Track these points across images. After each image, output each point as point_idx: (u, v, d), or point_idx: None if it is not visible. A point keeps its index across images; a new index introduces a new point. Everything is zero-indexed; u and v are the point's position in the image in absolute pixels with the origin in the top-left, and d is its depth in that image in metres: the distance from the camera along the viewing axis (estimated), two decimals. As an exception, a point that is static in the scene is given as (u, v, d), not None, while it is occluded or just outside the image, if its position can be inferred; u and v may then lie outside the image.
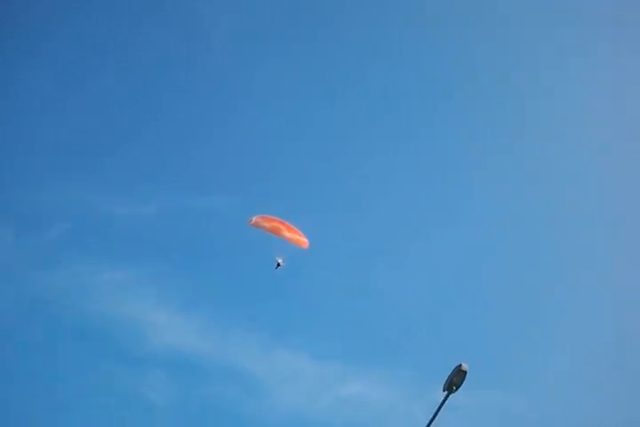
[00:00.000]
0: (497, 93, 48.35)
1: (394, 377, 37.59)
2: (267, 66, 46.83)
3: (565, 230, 44.78)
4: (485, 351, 37.39)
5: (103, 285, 40.50)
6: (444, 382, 9.80)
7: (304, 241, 23.63)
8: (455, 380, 9.63)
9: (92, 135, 46.27)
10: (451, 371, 9.73)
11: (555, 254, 43.92)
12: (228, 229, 44.23)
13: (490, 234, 46.13)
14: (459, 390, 9.70)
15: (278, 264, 24.44)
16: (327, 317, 43.82)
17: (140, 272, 41.47)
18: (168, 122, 48.32)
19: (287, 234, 23.74)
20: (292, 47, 48.53)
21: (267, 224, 24.05)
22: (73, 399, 36.50)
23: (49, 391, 36.37)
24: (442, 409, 9.85)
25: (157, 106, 47.84)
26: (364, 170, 48.73)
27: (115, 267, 41.60)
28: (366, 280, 45.27)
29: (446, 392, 9.75)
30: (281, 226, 23.96)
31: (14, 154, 44.86)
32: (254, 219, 23.96)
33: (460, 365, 9.56)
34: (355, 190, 47.67)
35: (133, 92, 47.08)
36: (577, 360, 37.38)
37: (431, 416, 9.95)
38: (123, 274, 41.04)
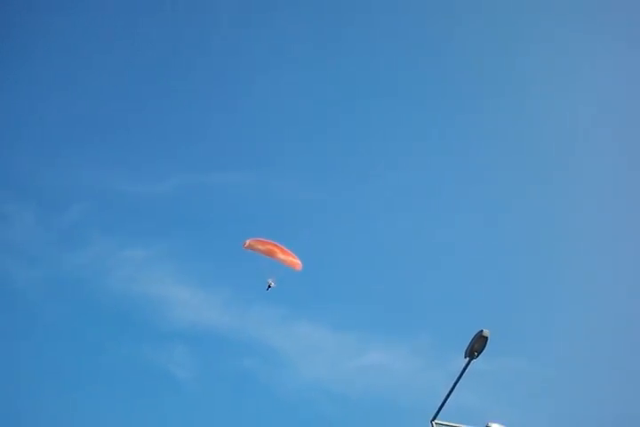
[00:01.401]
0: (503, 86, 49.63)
1: (414, 346, 38.49)
2: (279, 50, 48.18)
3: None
4: (504, 318, 37.80)
5: (125, 263, 41.26)
6: (464, 349, 10.49)
7: (297, 263, 24.24)
8: (476, 346, 10.31)
9: (107, 116, 46.88)
10: (471, 338, 10.42)
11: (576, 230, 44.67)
12: (244, 204, 46.03)
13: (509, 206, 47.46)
14: (480, 356, 10.39)
15: (269, 286, 24.91)
16: (345, 288, 44.97)
17: (160, 249, 42.15)
18: (181, 101, 48.88)
19: (281, 256, 24.31)
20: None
21: (261, 247, 24.62)
22: (98, 376, 37.43)
23: (74, 369, 37.23)
24: (464, 376, 10.53)
25: (171, 86, 48.42)
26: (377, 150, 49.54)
27: (135, 245, 42.45)
28: (382, 251, 46.25)
29: (467, 359, 10.42)
30: (275, 248, 24.55)
31: (30, 135, 45.29)
32: (248, 242, 24.49)
33: (482, 331, 10.24)
34: (362, 165, 48.51)
35: (148, 74, 47.43)
36: (595, 325, 37.93)
37: (453, 383, 10.61)
38: (143, 252, 41.82)
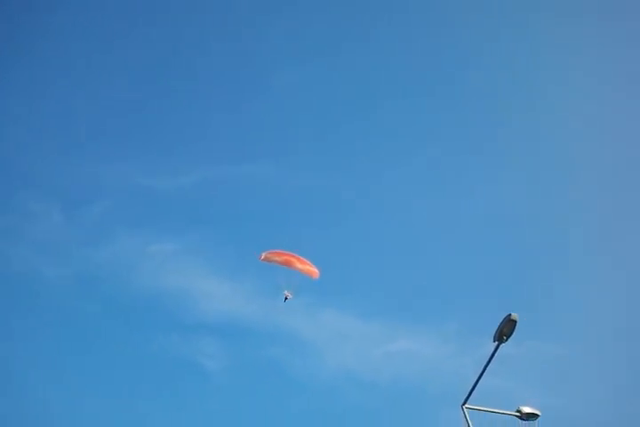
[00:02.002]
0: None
1: (441, 332, 38.42)
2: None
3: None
4: (531, 302, 36.98)
5: (151, 257, 41.67)
6: (493, 334, 10.59)
7: (315, 271, 24.44)
8: (505, 330, 10.41)
9: (125, 113, 47.57)
10: (499, 322, 10.52)
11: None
12: (269, 195, 45.65)
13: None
14: (509, 340, 10.49)
15: (286, 298, 25.07)
16: (370, 276, 45.16)
17: (185, 243, 42.51)
18: (199, 97, 49.69)
19: (299, 265, 24.50)
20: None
21: (278, 258, 24.82)
22: (131, 370, 37.84)
23: (106, 364, 37.31)
24: (493, 360, 10.63)
25: (190, 82, 48.95)
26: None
27: (161, 239, 42.85)
28: (406, 237, 46.40)
29: (496, 343, 10.52)
30: (292, 259, 24.74)
31: (51, 135, 45.72)
32: (264, 255, 24.68)
33: (510, 315, 10.35)
34: (376, 158, 48.78)
35: (169, 68, 47.86)
36: (625, 307, 37.04)
37: (482, 367, 10.70)
38: (169, 245, 42.15)
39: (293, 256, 24.96)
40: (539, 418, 10.53)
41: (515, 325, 10.37)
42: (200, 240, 43.65)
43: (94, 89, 46.29)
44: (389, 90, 49.19)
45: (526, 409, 10.52)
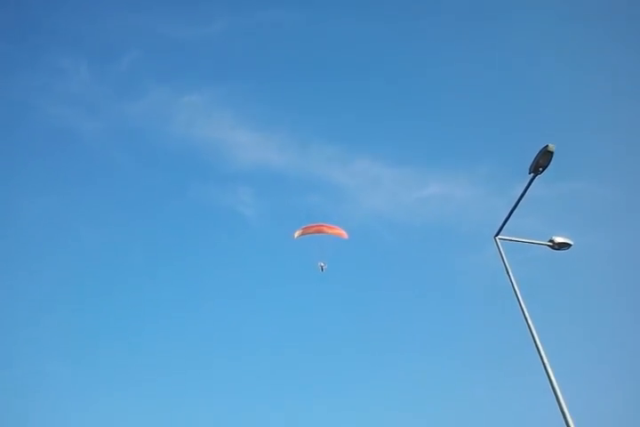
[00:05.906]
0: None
1: (473, 175, 39.74)
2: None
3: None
4: (567, 141, 35.52)
5: (182, 109, 42.59)
6: (529, 166, 10.56)
7: (344, 233, 25.65)
8: (541, 161, 10.41)
9: None
10: (536, 154, 10.50)
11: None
12: (297, 42, 45.48)
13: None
14: (544, 172, 10.47)
15: (322, 268, 25.80)
16: (400, 122, 44.64)
17: (215, 94, 43.21)
18: None
19: (330, 231, 25.64)
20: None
21: (310, 230, 25.85)
22: (170, 220, 40.37)
23: (145, 215, 40.27)
24: (527, 195, 10.57)
25: None
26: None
27: (190, 91, 43.69)
28: (432, 84, 45.67)
29: (532, 175, 10.50)
30: (322, 227, 25.77)
31: None
32: (297, 233, 25.73)
33: (547, 146, 10.39)
34: None
35: None
36: None
37: (516, 201, 10.65)
38: (199, 97, 42.95)
39: (323, 225, 25.93)
40: (571, 247, 10.36)
41: (551, 156, 10.36)
42: (229, 91, 43.70)
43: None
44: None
45: (559, 239, 10.38)
